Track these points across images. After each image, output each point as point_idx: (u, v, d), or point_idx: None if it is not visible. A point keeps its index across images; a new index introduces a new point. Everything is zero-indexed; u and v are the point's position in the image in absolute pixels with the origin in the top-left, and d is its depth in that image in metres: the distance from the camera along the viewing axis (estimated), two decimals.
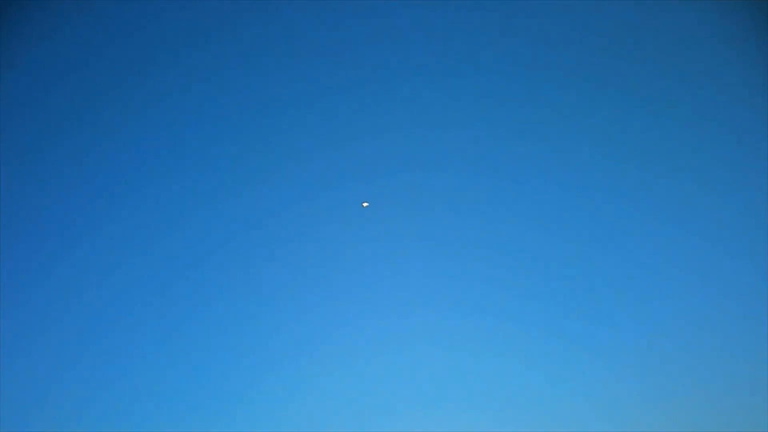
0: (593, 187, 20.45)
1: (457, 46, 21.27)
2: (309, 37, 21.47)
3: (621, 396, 18.33)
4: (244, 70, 21.51)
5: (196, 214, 20.67)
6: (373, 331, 19.67)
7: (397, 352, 19.48)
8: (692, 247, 19.45)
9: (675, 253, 19.60)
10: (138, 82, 21.20)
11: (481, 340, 19.40)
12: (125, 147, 20.92)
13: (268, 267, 20.41)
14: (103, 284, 19.76)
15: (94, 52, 21.09)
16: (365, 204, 16.70)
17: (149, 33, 21.29)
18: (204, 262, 20.29)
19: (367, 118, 21.23)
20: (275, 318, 19.99)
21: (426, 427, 18.14)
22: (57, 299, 19.40)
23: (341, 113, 21.26)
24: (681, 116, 20.25)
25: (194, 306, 19.93)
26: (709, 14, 19.87)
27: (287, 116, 21.27)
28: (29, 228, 19.83)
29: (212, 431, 18.31)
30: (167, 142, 21.09)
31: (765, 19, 18.63)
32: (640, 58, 20.63)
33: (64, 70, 20.89)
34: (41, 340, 18.98)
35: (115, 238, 20.22)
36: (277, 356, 19.51)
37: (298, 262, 20.35)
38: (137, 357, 19.18)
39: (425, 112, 21.18)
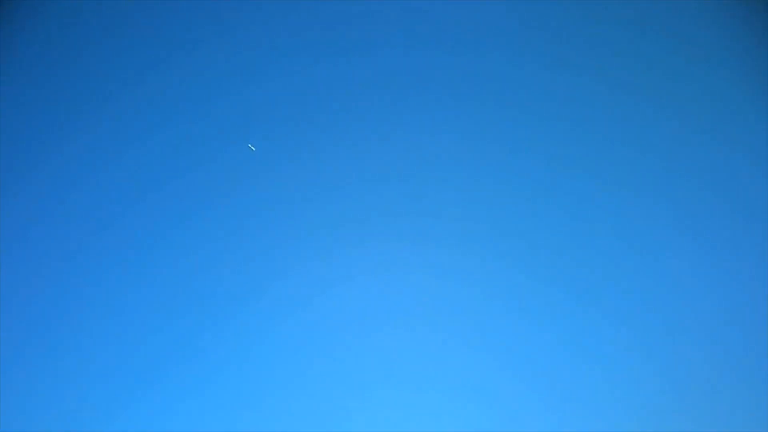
0: (592, 185, 20.45)
1: (454, 42, 21.30)
2: (308, 37, 21.49)
3: (620, 396, 18.31)
4: (243, 71, 21.52)
5: (194, 213, 20.68)
6: (370, 326, 19.67)
7: (395, 353, 19.46)
8: (693, 245, 19.45)
9: (675, 251, 19.59)
10: (135, 83, 21.22)
11: (479, 338, 19.40)
12: (123, 146, 20.93)
13: (266, 266, 20.40)
14: (99, 279, 19.75)
15: (92, 50, 21.11)
16: (252, 147, 16.52)
17: (148, 31, 21.29)
18: (199, 262, 20.29)
19: (364, 117, 21.25)
20: (273, 318, 19.98)
21: (426, 427, 18.14)
22: (52, 297, 19.41)
23: (339, 111, 21.28)
24: (682, 115, 20.26)
25: (192, 303, 19.92)
26: (710, 13, 19.89)
27: (287, 116, 21.27)
28: (30, 228, 19.83)
29: (212, 430, 18.30)
30: (164, 140, 21.09)
31: (765, 19, 18.64)
32: (640, 56, 20.65)
33: (60, 68, 20.91)
34: (39, 338, 18.97)
35: (111, 233, 20.22)
36: (274, 355, 19.49)
37: (297, 261, 20.35)
38: (133, 355, 19.17)
39: (424, 111, 21.19)
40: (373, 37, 21.35)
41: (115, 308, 19.35)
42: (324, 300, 19.76)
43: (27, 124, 20.31)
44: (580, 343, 19.00)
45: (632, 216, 19.91)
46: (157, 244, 20.17)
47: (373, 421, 18.35)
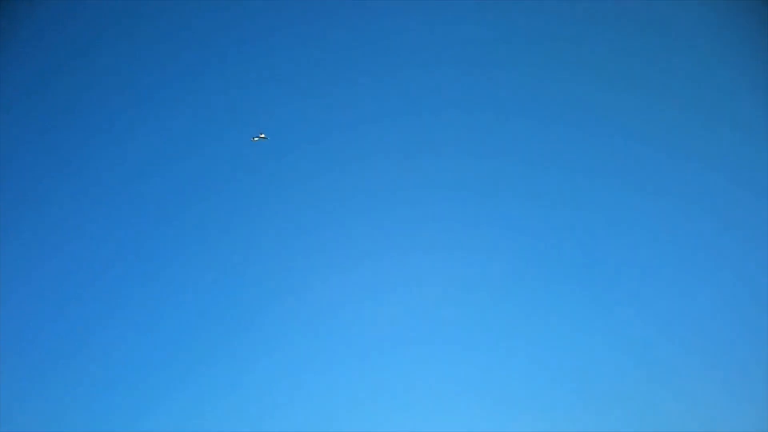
0: (594, 183, 20.46)
1: (459, 40, 21.27)
2: (308, 34, 21.44)
3: (620, 395, 18.33)
4: (243, 69, 21.46)
5: (192, 210, 20.65)
6: (371, 328, 19.63)
7: (397, 351, 19.43)
8: (693, 244, 19.48)
9: (675, 248, 19.62)
10: (135, 82, 21.14)
11: (480, 337, 19.39)
12: (124, 146, 20.87)
13: (267, 265, 20.36)
14: (98, 280, 19.70)
15: (92, 51, 21.04)
16: (258, 138, 16.31)
17: (148, 31, 21.24)
18: (199, 261, 20.25)
19: (366, 109, 21.24)
20: (275, 317, 19.95)
21: (430, 426, 18.14)
22: (47, 296, 19.37)
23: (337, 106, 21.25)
24: (682, 115, 20.27)
25: (191, 303, 19.89)
26: (710, 13, 19.91)
27: (290, 112, 21.21)
28: (31, 228, 19.78)
29: (212, 430, 18.30)
30: (163, 140, 21.04)
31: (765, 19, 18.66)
32: (641, 56, 20.65)
33: (61, 68, 20.84)
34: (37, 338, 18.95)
35: (111, 234, 20.16)
36: (276, 353, 19.47)
37: (296, 258, 20.32)
38: (135, 354, 19.13)
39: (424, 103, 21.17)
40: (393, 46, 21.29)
41: (124, 313, 19.31)
42: (333, 308, 19.73)
43: (31, 126, 20.25)
44: (582, 346, 19.01)
45: (636, 219, 19.90)
46: (167, 249, 20.10)
47: (377, 421, 18.36)
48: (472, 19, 21.24)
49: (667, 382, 18.31)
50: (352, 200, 20.76)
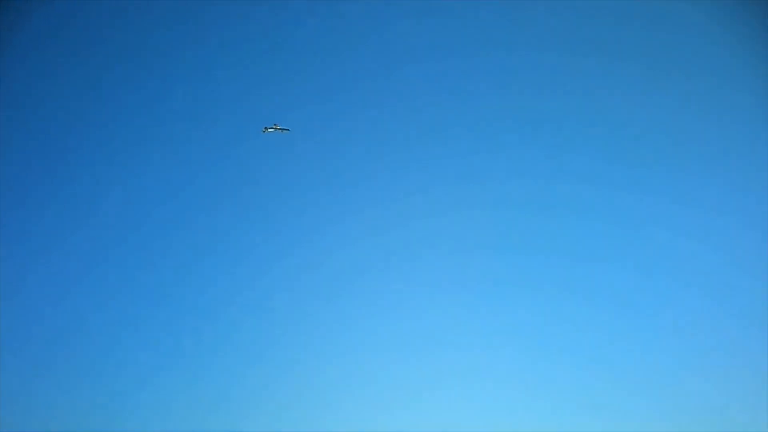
0: (592, 190, 20.57)
1: (456, 49, 21.47)
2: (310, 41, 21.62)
3: (618, 396, 18.38)
4: (246, 70, 21.62)
5: (197, 214, 20.78)
6: (374, 331, 19.71)
7: (400, 352, 19.49)
8: (693, 248, 19.57)
9: (675, 255, 19.71)
10: (136, 83, 21.34)
11: (481, 340, 19.46)
12: (127, 149, 21.05)
13: (269, 268, 20.46)
14: (101, 283, 19.81)
15: (93, 52, 21.21)
16: (271, 129, 16.65)
17: (150, 33, 21.43)
18: (203, 264, 20.34)
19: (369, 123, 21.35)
20: (278, 320, 20.03)
21: (430, 426, 18.19)
22: (48, 297, 19.49)
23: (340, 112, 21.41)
24: (682, 116, 20.36)
25: (194, 307, 19.96)
26: (710, 14, 20.04)
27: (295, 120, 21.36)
28: (35, 230, 19.91)
29: (211, 430, 18.33)
30: (164, 141, 21.20)
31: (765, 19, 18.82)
32: (641, 59, 20.77)
33: (62, 70, 21.02)
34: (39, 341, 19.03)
35: (115, 240, 20.28)
36: (279, 355, 19.51)
37: (298, 263, 20.44)
38: (140, 357, 19.21)
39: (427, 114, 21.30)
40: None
41: (124, 313, 19.44)
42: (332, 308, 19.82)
43: (33, 125, 20.41)
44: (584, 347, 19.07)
45: (636, 220, 20.01)
46: (167, 248, 20.24)
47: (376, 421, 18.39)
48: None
49: (666, 383, 18.37)
50: (354, 208, 20.93)
